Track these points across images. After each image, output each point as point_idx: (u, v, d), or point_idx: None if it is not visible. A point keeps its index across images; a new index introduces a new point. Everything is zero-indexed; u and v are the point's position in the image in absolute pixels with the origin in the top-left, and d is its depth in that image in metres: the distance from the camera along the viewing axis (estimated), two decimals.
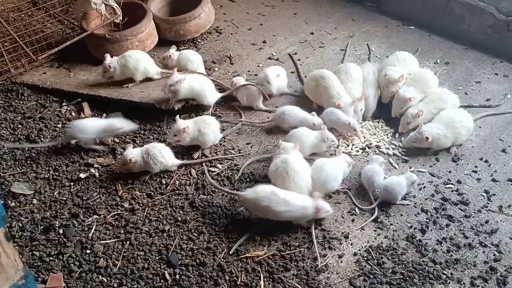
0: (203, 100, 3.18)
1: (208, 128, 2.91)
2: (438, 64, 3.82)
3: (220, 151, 2.99)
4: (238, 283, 2.26)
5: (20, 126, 3.09)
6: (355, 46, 4.05)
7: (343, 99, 3.13)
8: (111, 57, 3.31)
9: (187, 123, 2.86)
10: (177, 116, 2.95)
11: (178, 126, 2.83)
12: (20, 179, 2.74)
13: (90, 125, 2.90)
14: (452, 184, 2.83)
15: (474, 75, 3.71)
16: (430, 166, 2.95)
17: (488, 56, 3.91)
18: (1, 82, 3.38)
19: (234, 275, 2.29)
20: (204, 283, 2.25)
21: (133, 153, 2.71)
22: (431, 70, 3.51)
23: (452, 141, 3.01)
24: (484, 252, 2.46)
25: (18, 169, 2.80)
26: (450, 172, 2.91)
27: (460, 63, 3.83)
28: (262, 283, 2.26)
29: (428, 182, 2.84)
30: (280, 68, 3.48)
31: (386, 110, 3.28)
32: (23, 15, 3.93)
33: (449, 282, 2.31)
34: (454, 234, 2.54)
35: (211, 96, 3.22)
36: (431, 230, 2.56)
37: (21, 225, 2.48)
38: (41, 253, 2.35)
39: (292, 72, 3.74)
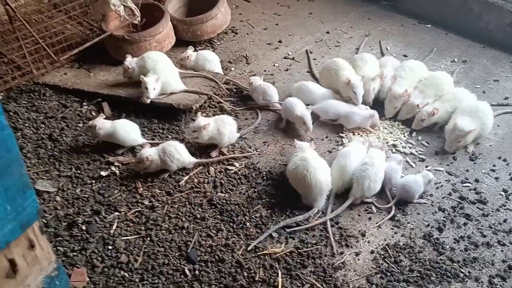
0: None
1: (225, 128, 2.95)
2: (455, 63, 3.80)
3: (237, 150, 3.03)
4: (256, 279, 2.29)
5: (42, 125, 3.17)
6: (371, 45, 4.06)
7: (353, 75, 3.20)
8: (132, 57, 3.37)
9: (208, 120, 2.91)
10: (199, 113, 3.01)
11: (199, 123, 2.88)
12: (44, 177, 2.81)
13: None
14: (469, 183, 2.82)
15: (492, 74, 3.68)
16: (448, 165, 2.94)
17: (506, 54, 3.88)
18: (24, 82, 3.46)
19: (252, 272, 2.32)
20: (223, 278, 2.29)
21: (149, 151, 2.76)
22: (448, 69, 3.50)
23: (478, 133, 3.00)
24: (502, 251, 2.45)
25: (42, 167, 2.88)
26: (467, 171, 2.90)
27: (477, 62, 3.81)
28: (279, 279, 2.29)
29: (446, 180, 2.84)
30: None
31: None
32: (43, 17, 4.01)
33: (467, 281, 2.31)
34: (472, 233, 2.54)
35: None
36: (449, 228, 2.56)
37: (45, 221, 2.55)
38: (65, 248, 2.42)
39: (307, 72, 3.76)
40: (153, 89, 3.15)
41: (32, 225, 1.08)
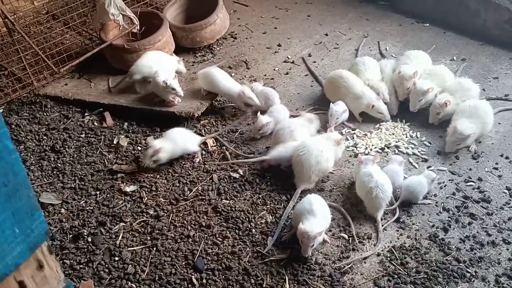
0: None
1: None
2: (454, 61, 3.80)
3: (240, 156, 3.03)
4: (264, 286, 2.29)
5: (45, 137, 3.17)
6: (370, 45, 4.06)
7: (374, 99, 3.19)
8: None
9: (268, 119, 3.09)
10: (258, 113, 3.15)
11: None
12: (48, 190, 2.82)
13: None
14: (473, 181, 2.82)
15: (492, 71, 3.68)
16: (450, 164, 2.94)
17: (505, 51, 3.88)
18: (25, 95, 3.47)
19: (259, 278, 2.33)
20: (230, 286, 2.29)
21: (158, 143, 2.82)
22: (448, 67, 3.49)
23: (480, 132, 3.00)
24: (508, 249, 2.45)
25: (45, 180, 2.88)
26: (470, 169, 2.91)
27: (476, 59, 3.81)
28: (287, 285, 2.29)
29: (449, 180, 2.84)
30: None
31: (406, 110, 3.29)
32: (42, 28, 4.03)
33: (474, 280, 2.31)
34: (477, 232, 2.54)
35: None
36: (454, 228, 2.56)
37: (50, 234, 2.56)
38: (71, 261, 2.42)
39: (306, 75, 3.76)
40: (179, 86, 3.22)
41: (40, 246, 1.08)
